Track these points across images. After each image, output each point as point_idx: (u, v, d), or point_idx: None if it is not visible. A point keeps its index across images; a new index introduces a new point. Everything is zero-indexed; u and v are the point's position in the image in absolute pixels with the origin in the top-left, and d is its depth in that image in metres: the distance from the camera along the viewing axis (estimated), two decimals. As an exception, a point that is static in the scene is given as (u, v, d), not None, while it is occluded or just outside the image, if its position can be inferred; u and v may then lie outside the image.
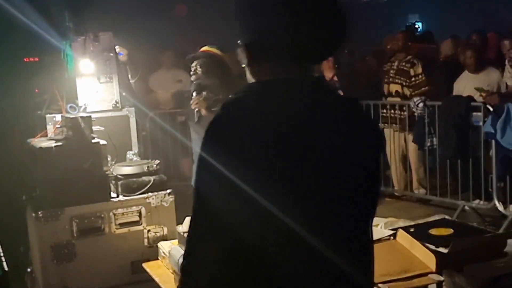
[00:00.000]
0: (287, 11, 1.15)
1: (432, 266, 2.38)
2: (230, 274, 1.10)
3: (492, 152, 5.11)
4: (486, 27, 7.18)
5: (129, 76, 3.77)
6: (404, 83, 5.90)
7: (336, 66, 6.48)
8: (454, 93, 5.57)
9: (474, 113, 5.20)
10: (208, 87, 3.39)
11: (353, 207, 1.20)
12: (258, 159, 1.07)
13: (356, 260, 1.21)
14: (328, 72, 6.44)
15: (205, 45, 3.55)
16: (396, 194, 6.20)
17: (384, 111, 6.06)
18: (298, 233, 1.09)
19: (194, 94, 3.39)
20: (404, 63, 5.95)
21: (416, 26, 11.42)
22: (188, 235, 1.15)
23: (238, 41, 1.23)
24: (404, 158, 6.14)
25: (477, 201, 5.41)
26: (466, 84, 5.54)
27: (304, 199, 1.12)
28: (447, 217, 3.59)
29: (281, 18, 1.15)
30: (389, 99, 6.01)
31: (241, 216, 1.07)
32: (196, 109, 3.33)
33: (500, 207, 5.15)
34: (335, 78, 6.36)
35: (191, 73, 3.50)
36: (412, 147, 5.96)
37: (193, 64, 3.51)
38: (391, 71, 6.02)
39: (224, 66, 3.46)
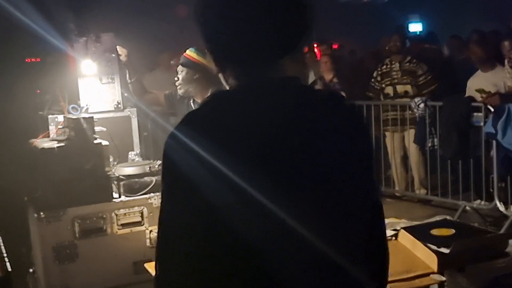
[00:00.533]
0: (230, 12, 1.18)
1: (434, 266, 2.39)
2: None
3: (493, 152, 5.12)
4: (485, 27, 7.20)
5: (127, 76, 3.77)
6: (413, 83, 5.88)
7: (334, 67, 6.50)
8: (467, 92, 5.53)
9: (475, 114, 5.22)
10: None
11: (344, 200, 1.20)
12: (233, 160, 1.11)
13: (351, 255, 1.21)
14: (327, 73, 6.46)
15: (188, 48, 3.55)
16: (397, 194, 6.21)
17: (386, 112, 6.05)
18: (288, 229, 1.11)
19: None
20: (408, 64, 5.95)
21: (415, 28, 11.44)
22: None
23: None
24: (405, 159, 6.15)
25: (478, 201, 5.42)
26: (480, 83, 5.49)
27: (290, 196, 1.14)
28: (448, 217, 3.60)
29: (224, 19, 1.19)
30: (398, 100, 5.99)
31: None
32: None
33: (501, 208, 5.16)
34: (335, 80, 6.37)
35: (176, 78, 3.54)
36: (413, 148, 5.97)
37: (178, 69, 3.54)
38: (394, 72, 6.00)
39: (204, 70, 3.41)
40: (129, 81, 3.77)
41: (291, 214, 1.12)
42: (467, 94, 5.49)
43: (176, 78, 3.53)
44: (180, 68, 3.50)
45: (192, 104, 3.57)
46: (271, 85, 1.20)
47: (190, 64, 3.45)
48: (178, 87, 3.52)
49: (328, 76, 6.41)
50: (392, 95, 6.02)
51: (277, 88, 1.20)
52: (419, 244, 2.51)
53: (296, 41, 1.22)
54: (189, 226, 1.14)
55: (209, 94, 1.26)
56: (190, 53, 3.49)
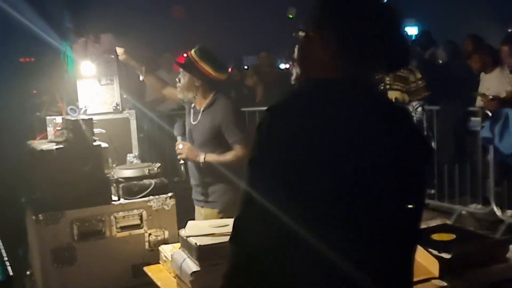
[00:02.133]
0: (380, 22, 1.27)
1: (435, 271, 2.40)
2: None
3: (490, 156, 5.16)
4: (481, 32, 7.24)
5: (140, 76, 3.75)
6: (403, 89, 5.91)
7: None
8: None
9: (472, 118, 5.26)
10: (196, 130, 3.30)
11: (387, 218, 1.21)
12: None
13: (387, 279, 1.21)
14: None
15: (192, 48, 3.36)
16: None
17: None
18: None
19: (179, 138, 3.35)
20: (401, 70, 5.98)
21: (410, 32, 11.49)
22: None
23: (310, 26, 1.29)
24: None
25: (474, 205, 5.46)
26: (491, 84, 5.49)
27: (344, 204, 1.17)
28: (448, 222, 3.63)
29: (375, 27, 1.26)
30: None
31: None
32: (179, 158, 3.31)
33: (497, 212, 5.20)
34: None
35: (176, 79, 3.38)
36: (410, 151, 5.99)
37: (180, 71, 3.37)
38: (387, 78, 6.03)
39: (205, 78, 3.26)
40: (141, 78, 3.75)
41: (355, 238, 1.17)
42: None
43: (177, 80, 3.37)
44: (180, 73, 3.35)
45: (191, 109, 3.41)
46: (368, 92, 1.26)
47: (193, 70, 3.27)
48: (178, 90, 3.38)
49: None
50: None
51: (370, 97, 1.26)
52: (419, 249, 2.52)
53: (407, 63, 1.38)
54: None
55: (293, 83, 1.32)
56: (194, 56, 3.30)
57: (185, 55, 3.68)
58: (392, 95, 5.99)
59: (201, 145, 3.30)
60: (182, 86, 3.33)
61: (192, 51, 3.32)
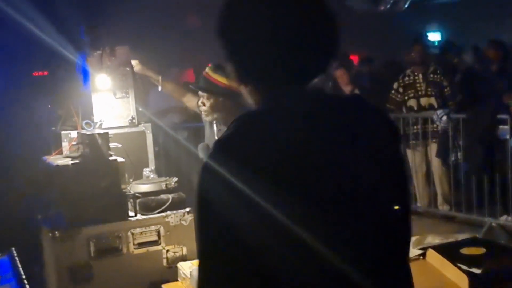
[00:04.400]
0: (270, 25, 1.15)
1: (465, 287, 2.37)
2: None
3: (520, 166, 5.10)
4: (504, 36, 7.19)
5: (159, 87, 3.80)
6: (438, 95, 5.87)
7: (352, 79, 6.52)
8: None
9: (501, 126, 5.20)
10: None
11: (374, 214, 1.17)
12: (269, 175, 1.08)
13: (378, 279, 1.18)
14: (345, 86, 6.48)
15: (208, 65, 3.32)
16: (419, 211, 6.18)
17: (407, 126, 6.03)
18: (312, 245, 1.09)
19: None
20: (432, 75, 5.95)
21: (433, 38, 11.43)
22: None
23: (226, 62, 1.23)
24: (428, 174, 6.13)
25: (505, 217, 5.38)
26: None
27: (316, 210, 1.11)
28: (478, 235, 3.59)
29: (263, 34, 1.15)
30: (420, 113, 5.97)
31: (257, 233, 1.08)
32: None
33: (530, 224, 5.12)
34: (356, 91, 6.38)
35: (199, 103, 3.32)
36: (436, 162, 5.95)
37: (200, 94, 3.33)
38: (418, 84, 5.99)
39: (231, 95, 3.13)
40: (159, 89, 3.80)
41: (340, 255, 1.10)
42: None
43: (200, 103, 3.29)
44: (203, 95, 3.28)
45: (214, 124, 3.38)
46: (304, 104, 1.17)
47: (219, 91, 3.20)
48: (204, 114, 3.29)
49: (347, 88, 6.42)
50: (416, 108, 6.00)
51: (310, 107, 1.17)
52: (448, 264, 2.50)
53: (332, 56, 1.22)
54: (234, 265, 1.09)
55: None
56: (213, 75, 3.23)
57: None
58: (426, 101, 5.94)
59: None
60: (208, 109, 3.26)
61: (207, 70, 3.29)
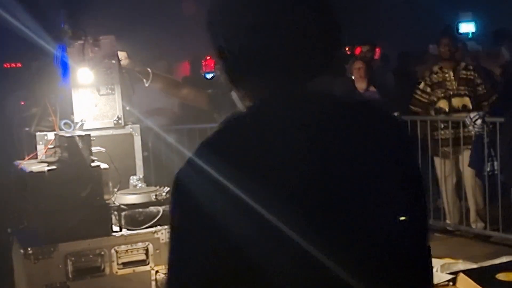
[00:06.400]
0: (265, 15, 1.22)
1: (502, 318, 2.37)
2: None
3: None
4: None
5: (144, 80, 3.83)
6: (471, 94, 5.86)
7: (369, 74, 6.52)
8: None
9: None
10: None
11: (381, 220, 1.23)
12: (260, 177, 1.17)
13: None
14: (360, 82, 6.47)
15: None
16: (448, 229, 6.18)
17: (435, 130, 6.03)
18: (307, 252, 1.16)
19: None
20: (464, 71, 5.95)
21: (466, 29, 11.44)
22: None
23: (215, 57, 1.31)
24: (459, 186, 6.13)
25: (548, 238, 5.38)
26: None
27: (323, 233, 1.18)
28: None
29: (259, 22, 1.22)
30: (456, 115, 5.97)
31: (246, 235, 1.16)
32: None
33: None
34: (372, 89, 6.38)
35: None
36: (468, 173, 5.95)
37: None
38: (447, 83, 5.98)
39: None
40: (146, 84, 3.83)
41: (326, 252, 1.16)
42: None
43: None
44: None
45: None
46: (301, 102, 1.24)
47: None
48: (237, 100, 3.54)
49: (362, 86, 6.41)
50: (447, 110, 5.99)
51: (308, 105, 1.24)
52: (482, 291, 2.50)
53: (335, 52, 1.29)
54: (207, 269, 1.18)
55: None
56: None
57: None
58: (459, 102, 5.92)
59: None
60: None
61: None
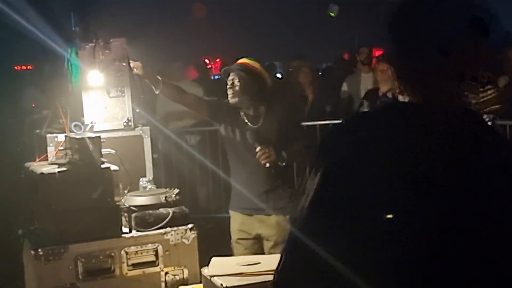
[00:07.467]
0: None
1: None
2: None
3: None
4: None
5: (153, 87, 3.90)
6: (472, 100, 5.79)
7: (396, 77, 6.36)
8: None
9: None
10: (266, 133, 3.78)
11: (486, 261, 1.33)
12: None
13: None
14: (383, 85, 6.31)
15: (242, 57, 3.99)
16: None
17: None
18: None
19: (257, 146, 3.70)
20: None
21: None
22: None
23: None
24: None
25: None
26: None
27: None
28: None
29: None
30: None
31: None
32: (265, 163, 3.68)
33: None
34: (399, 91, 6.27)
35: (228, 86, 3.85)
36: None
37: (230, 78, 3.87)
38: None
39: (262, 80, 3.88)
40: (156, 92, 3.91)
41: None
42: None
43: (229, 85, 3.83)
44: (235, 76, 3.83)
45: (244, 116, 3.87)
46: (446, 111, 1.44)
47: (251, 73, 3.85)
48: (231, 95, 3.82)
49: (383, 89, 6.26)
50: None
51: (451, 116, 1.44)
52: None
53: None
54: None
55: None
56: (249, 61, 3.93)
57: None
58: None
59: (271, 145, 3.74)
60: (239, 90, 3.81)
61: (244, 59, 3.95)
